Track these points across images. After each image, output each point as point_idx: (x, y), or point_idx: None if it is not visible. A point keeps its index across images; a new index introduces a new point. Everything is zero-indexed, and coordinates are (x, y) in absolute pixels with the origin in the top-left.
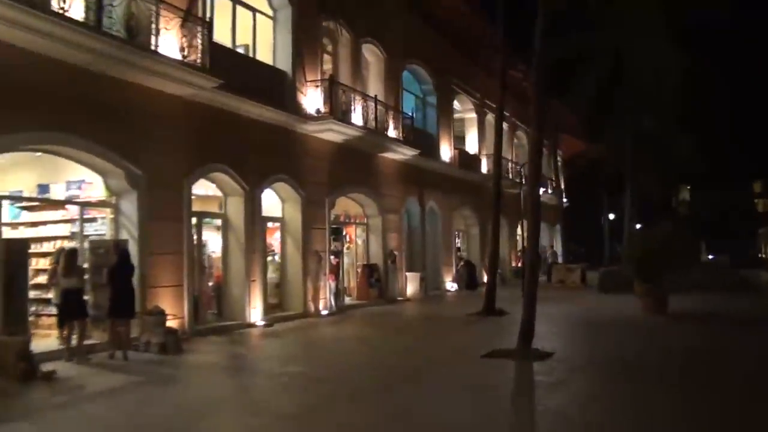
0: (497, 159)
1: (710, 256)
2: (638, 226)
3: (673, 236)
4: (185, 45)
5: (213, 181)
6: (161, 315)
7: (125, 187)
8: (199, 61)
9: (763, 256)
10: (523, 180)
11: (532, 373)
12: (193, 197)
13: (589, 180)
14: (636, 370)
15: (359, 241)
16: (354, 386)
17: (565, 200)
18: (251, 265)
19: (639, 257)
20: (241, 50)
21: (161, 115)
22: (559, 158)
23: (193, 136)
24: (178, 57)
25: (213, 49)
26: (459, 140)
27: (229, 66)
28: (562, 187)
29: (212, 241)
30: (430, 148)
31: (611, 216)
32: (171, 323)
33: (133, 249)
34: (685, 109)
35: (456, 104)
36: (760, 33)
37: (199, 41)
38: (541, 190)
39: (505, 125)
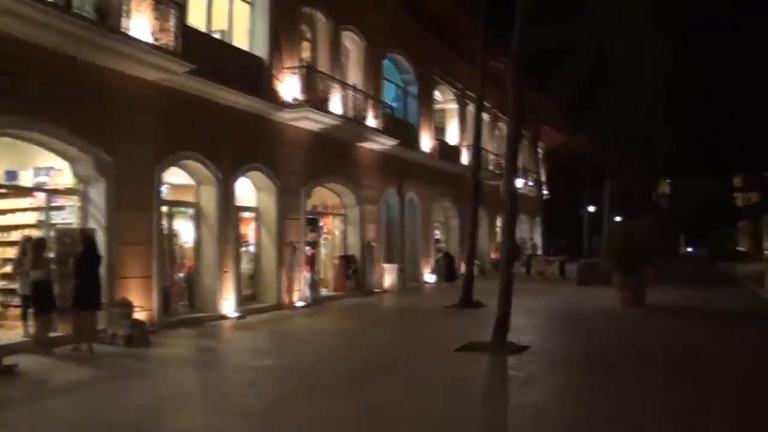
0: (476, 150)
1: (689, 250)
2: (618, 219)
3: (652, 229)
4: (157, 28)
5: (185, 170)
6: (128, 307)
7: (93, 174)
8: (171, 45)
9: (742, 249)
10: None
11: (507, 366)
12: (167, 186)
13: (570, 172)
14: (612, 363)
15: (337, 232)
16: (325, 380)
17: (545, 192)
18: (224, 256)
19: (618, 250)
20: (217, 36)
21: (132, 100)
22: (540, 150)
23: (165, 123)
24: (150, 40)
25: (186, 33)
26: (440, 131)
27: (204, 51)
28: (543, 179)
29: (185, 230)
30: (411, 139)
31: (591, 209)
32: (139, 315)
33: (100, 238)
34: (666, 102)
35: (437, 95)
36: (744, 28)
37: (172, 24)
38: (521, 182)
39: (486, 116)
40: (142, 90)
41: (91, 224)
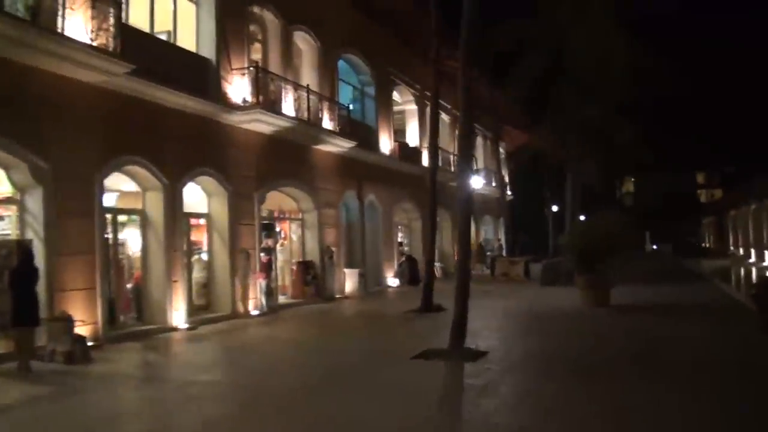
0: (433, 149)
1: (654, 246)
2: (582, 217)
3: (614, 226)
4: (95, 28)
5: (130, 175)
6: (68, 321)
7: (29, 181)
8: (109, 45)
9: (706, 245)
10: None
11: (463, 375)
12: (116, 193)
13: (534, 172)
14: (572, 367)
15: (294, 237)
16: (272, 393)
17: (509, 193)
18: (173, 265)
19: (580, 248)
20: (163, 37)
21: (69, 103)
22: (502, 150)
23: (106, 127)
24: (86, 40)
25: (126, 32)
26: (400, 133)
27: (145, 52)
28: (506, 179)
29: (132, 239)
30: (369, 141)
31: (555, 208)
32: (82, 330)
33: (39, 249)
34: (627, 98)
35: (396, 96)
36: (709, 21)
37: (111, 24)
38: (481, 181)
39: (446, 117)
40: (79, 92)
41: (29, 235)
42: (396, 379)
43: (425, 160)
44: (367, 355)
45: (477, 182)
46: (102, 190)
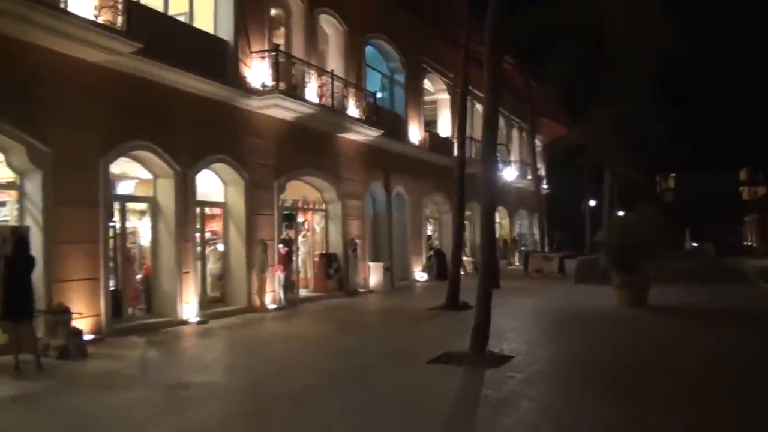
0: (461, 138)
1: (694, 244)
2: (621, 213)
3: (653, 222)
4: (99, 4)
5: (139, 161)
6: (64, 314)
7: (28, 166)
8: (115, 22)
9: (749, 244)
10: (501, 164)
11: (482, 384)
12: (134, 180)
13: (571, 166)
14: (602, 380)
15: (317, 229)
16: (268, 398)
17: (545, 186)
18: (184, 256)
19: (616, 245)
20: (181, 19)
21: (73, 84)
22: (538, 143)
23: (113, 110)
24: (92, 17)
25: (135, 10)
26: (432, 124)
27: (157, 31)
28: (543, 173)
29: (144, 228)
30: (398, 130)
31: (593, 202)
32: (84, 322)
33: (37, 237)
34: (669, 91)
35: (428, 84)
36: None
37: (118, 0)
38: (514, 173)
39: (480, 107)
40: (83, 72)
41: (28, 221)
42: (406, 386)
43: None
44: (381, 355)
45: (510, 174)
46: (108, 176)
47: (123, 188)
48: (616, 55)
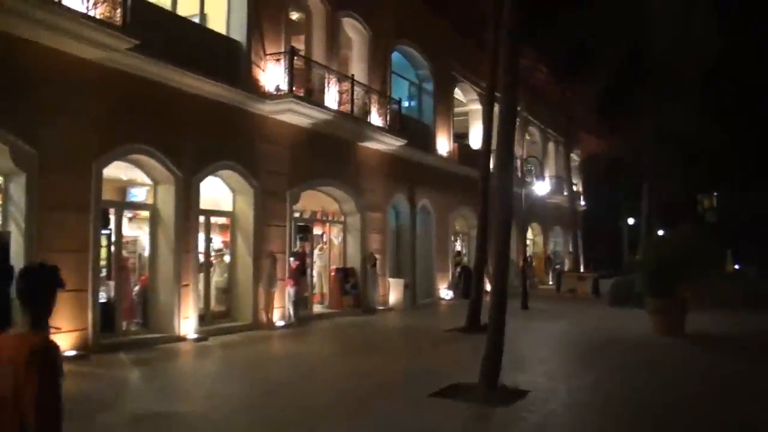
0: (486, 148)
1: (737, 267)
2: (661, 232)
3: (692, 242)
4: None
5: (138, 166)
6: None
7: (11, 167)
8: (111, 17)
9: None
10: (533, 178)
11: (488, 425)
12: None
13: (610, 182)
14: (630, 420)
15: (335, 242)
16: None
17: (582, 203)
18: (183, 267)
19: (653, 266)
20: (195, 20)
21: (62, 82)
22: (575, 157)
23: (110, 110)
24: (83, 9)
25: (137, 6)
26: (463, 135)
27: (160, 29)
28: (580, 189)
29: (144, 237)
30: (425, 140)
31: (631, 220)
32: (66, 337)
33: (19, 243)
34: (713, 99)
35: (459, 94)
36: None
37: None
38: (547, 188)
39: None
40: (76, 69)
41: (11, 227)
42: (399, 424)
43: (491, 165)
44: (380, 385)
45: (542, 188)
46: (100, 181)
47: (130, 195)
48: (661, 60)
